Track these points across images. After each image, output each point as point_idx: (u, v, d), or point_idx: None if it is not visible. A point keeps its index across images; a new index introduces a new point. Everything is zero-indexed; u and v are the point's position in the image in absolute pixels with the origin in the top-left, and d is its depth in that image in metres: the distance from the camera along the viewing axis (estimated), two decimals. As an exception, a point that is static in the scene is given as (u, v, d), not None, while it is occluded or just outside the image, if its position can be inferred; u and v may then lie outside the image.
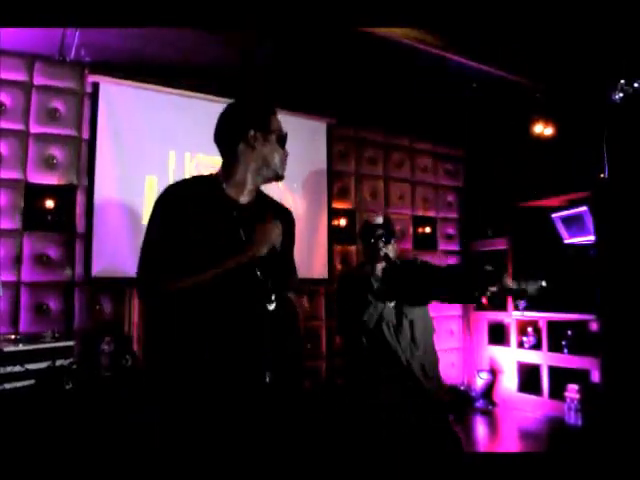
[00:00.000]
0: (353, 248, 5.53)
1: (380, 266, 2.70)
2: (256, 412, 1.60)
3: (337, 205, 5.47)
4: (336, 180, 5.51)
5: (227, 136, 1.73)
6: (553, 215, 5.46)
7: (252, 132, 1.68)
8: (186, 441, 1.55)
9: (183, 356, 1.61)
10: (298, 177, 5.15)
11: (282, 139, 1.76)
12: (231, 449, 1.55)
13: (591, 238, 5.00)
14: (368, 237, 2.72)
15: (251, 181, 1.72)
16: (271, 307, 1.66)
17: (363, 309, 2.57)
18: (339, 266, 5.43)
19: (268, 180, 1.77)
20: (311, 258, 5.18)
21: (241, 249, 1.62)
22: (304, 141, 5.19)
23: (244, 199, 1.72)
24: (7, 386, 3.12)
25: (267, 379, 1.61)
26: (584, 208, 5.12)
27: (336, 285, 3.11)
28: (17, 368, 3.18)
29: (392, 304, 2.63)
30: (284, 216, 1.80)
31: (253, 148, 1.69)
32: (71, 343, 3.64)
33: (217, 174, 1.74)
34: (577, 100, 4.78)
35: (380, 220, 2.81)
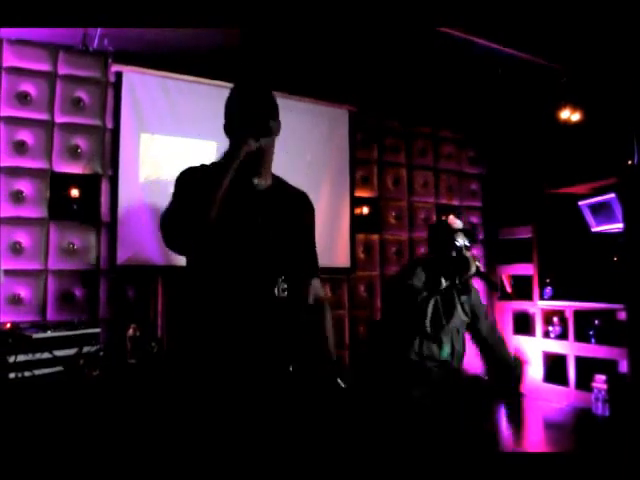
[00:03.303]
0: (376, 237, 5.51)
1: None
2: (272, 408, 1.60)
3: (360, 193, 5.44)
4: (358, 168, 5.46)
5: None
6: (580, 203, 5.34)
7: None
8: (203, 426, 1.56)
9: (198, 345, 1.62)
10: (320, 165, 5.12)
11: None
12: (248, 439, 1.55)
13: (619, 226, 4.88)
14: (449, 244, 2.59)
15: (269, 166, 1.73)
16: (283, 294, 1.63)
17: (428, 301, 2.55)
18: (362, 255, 5.41)
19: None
20: (333, 247, 5.16)
21: (257, 233, 1.61)
22: (326, 129, 5.16)
23: (262, 184, 1.71)
24: (37, 372, 3.17)
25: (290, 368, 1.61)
26: (612, 195, 5.00)
27: (392, 287, 3.14)
28: (46, 355, 3.24)
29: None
30: (300, 199, 1.80)
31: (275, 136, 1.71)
32: (98, 330, 3.69)
33: None
34: (605, 84, 4.66)
35: (460, 225, 2.68)
